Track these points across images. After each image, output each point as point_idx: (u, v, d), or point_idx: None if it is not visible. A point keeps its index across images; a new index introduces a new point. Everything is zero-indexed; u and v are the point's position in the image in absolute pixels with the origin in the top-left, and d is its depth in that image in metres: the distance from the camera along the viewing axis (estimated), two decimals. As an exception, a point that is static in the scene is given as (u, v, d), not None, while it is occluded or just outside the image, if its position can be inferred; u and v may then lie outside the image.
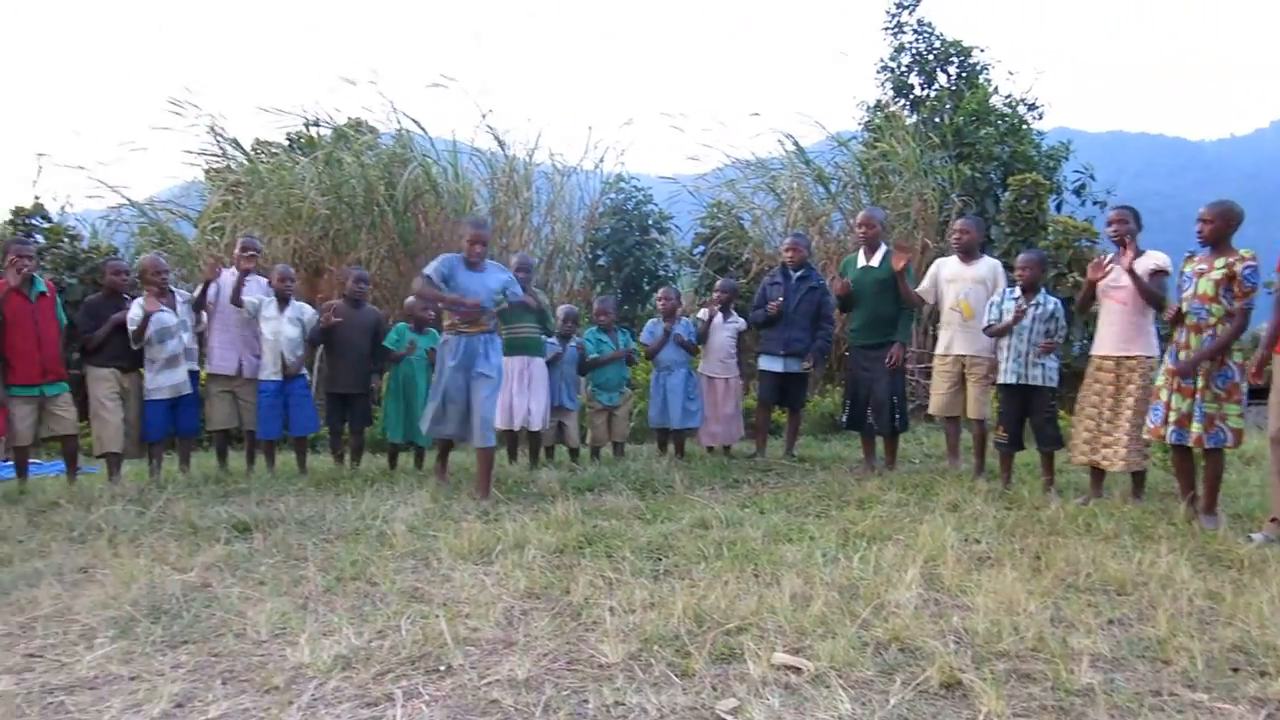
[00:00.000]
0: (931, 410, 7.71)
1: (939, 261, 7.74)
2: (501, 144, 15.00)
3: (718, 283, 9.03)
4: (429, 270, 6.57)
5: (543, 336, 7.91)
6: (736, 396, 8.61)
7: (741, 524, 5.49)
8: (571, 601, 4.04)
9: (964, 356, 7.33)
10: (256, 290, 7.94)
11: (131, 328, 7.33)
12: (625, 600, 4.00)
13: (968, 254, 7.46)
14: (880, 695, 3.08)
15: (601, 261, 14.52)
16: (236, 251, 8.19)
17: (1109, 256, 6.40)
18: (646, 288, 14.25)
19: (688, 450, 8.53)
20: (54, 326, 7.27)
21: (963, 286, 7.37)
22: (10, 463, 7.77)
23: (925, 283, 7.63)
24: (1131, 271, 6.12)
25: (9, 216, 13.11)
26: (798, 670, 3.27)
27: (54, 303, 7.35)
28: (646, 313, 13.91)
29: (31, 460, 7.83)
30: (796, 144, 15.26)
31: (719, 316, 8.54)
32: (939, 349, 7.58)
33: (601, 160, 15.62)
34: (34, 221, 13.08)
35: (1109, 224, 6.47)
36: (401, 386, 7.88)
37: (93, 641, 3.64)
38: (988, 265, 7.43)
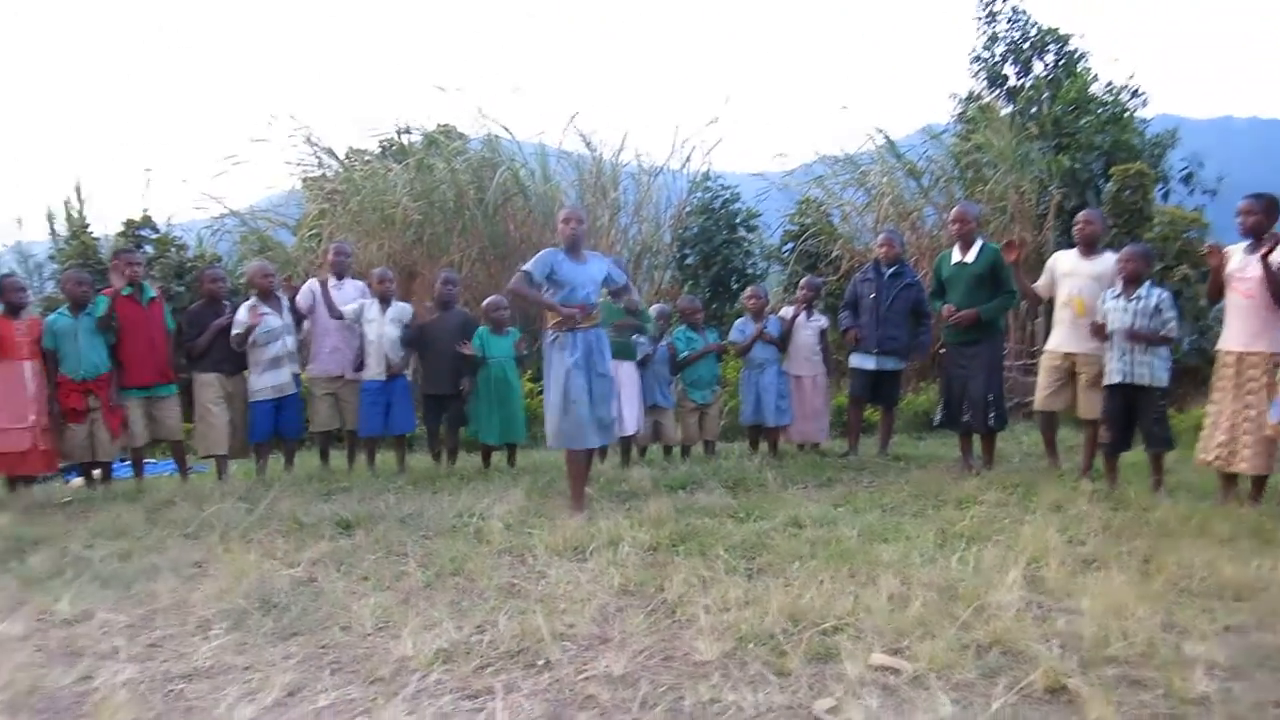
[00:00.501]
0: (1036, 405, 7.54)
1: (1057, 255, 7.51)
2: (589, 145, 15.13)
3: (802, 280, 8.99)
4: (528, 266, 6.10)
5: (634, 338, 7.95)
6: (824, 394, 8.56)
7: (836, 523, 5.46)
8: (666, 599, 4.08)
9: (1074, 355, 7.11)
10: (354, 293, 8.14)
11: (237, 331, 7.59)
12: (720, 598, 4.02)
13: (1089, 247, 7.20)
14: (982, 699, 3.06)
15: (689, 260, 14.55)
16: (329, 257, 8.45)
17: (1225, 247, 6.18)
18: (735, 286, 14.22)
19: (780, 448, 8.51)
20: (164, 331, 7.60)
21: (1078, 282, 7.11)
22: (127, 462, 8.12)
23: (1043, 277, 7.44)
24: (1266, 262, 5.86)
25: (120, 229, 13.66)
26: (896, 671, 3.26)
27: (163, 308, 7.67)
28: (735, 311, 13.89)
29: (146, 459, 8.16)
30: (887, 138, 15.10)
31: (802, 315, 8.50)
32: (1049, 345, 7.38)
33: (688, 159, 15.65)
34: (143, 233, 13.59)
35: (1238, 214, 6.18)
36: (494, 388, 7.99)
37: (208, 632, 3.80)
38: (1107, 261, 7.09)
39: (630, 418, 7.86)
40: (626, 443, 8.15)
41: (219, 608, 4.08)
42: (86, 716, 3.01)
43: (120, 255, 7.74)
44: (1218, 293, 6.29)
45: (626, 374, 7.86)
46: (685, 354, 8.34)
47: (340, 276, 8.24)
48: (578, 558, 4.87)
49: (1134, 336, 6.34)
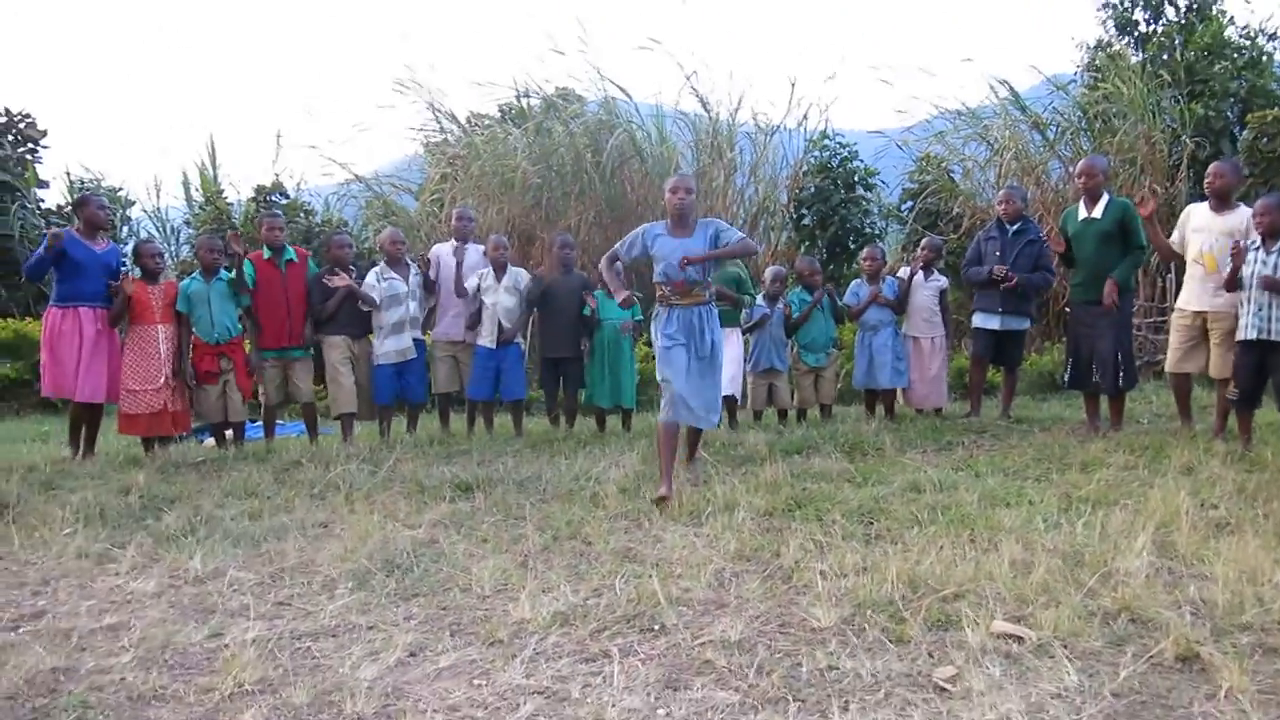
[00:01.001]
0: (1167, 367, 7.23)
1: (1189, 209, 7.16)
2: (705, 105, 14.99)
3: (923, 241, 8.73)
4: (618, 245, 5.89)
5: (741, 300, 7.85)
6: (943, 357, 8.32)
7: (956, 488, 5.31)
8: (782, 564, 4.03)
9: (1205, 312, 6.79)
10: (477, 258, 8.22)
11: (371, 294, 7.75)
12: (837, 564, 3.95)
13: (1221, 201, 6.86)
14: (1109, 667, 2.94)
15: (806, 221, 14.34)
16: (453, 223, 8.55)
17: None
18: (852, 246, 13.97)
19: (897, 412, 8.33)
20: (301, 294, 7.80)
21: (1209, 238, 6.78)
22: (259, 424, 8.39)
23: (1176, 232, 7.10)
24: None
25: (252, 194, 14.10)
26: (1019, 639, 3.15)
27: (304, 270, 7.88)
28: (853, 272, 13.65)
29: (278, 421, 8.43)
30: (1011, 89, 14.56)
31: (920, 275, 8.27)
32: (1179, 303, 7.05)
33: (805, 117, 15.33)
34: (274, 198, 14.00)
35: None
36: (607, 351, 8.00)
37: (334, 592, 3.90)
38: (1241, 216, 6.75)
39: (725, 382, 7.75)
40: (728, 405, 8.05)
41: (344, 568, 4.18)
42: (217, 672, 3.11)
43: (263, 219, 8.02)
44: None
45: (727, 339, 7.77)
46: (797, 314, 8.22)
47: (464, 241, 8.33)
48: (693, 523, 4.85)
49: (1273, 286, 6.00)
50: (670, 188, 5.72)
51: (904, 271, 8.52)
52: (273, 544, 4.64)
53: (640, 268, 9.07)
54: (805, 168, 14.70)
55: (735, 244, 5.65)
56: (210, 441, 8.21)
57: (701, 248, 5.58)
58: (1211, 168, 6.97)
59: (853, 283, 8.68)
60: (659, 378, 5.68)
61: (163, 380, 7.28)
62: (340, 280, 7.74)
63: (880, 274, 8.38)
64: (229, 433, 7.80)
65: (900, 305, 8.24)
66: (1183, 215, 7.15)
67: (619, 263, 5.92)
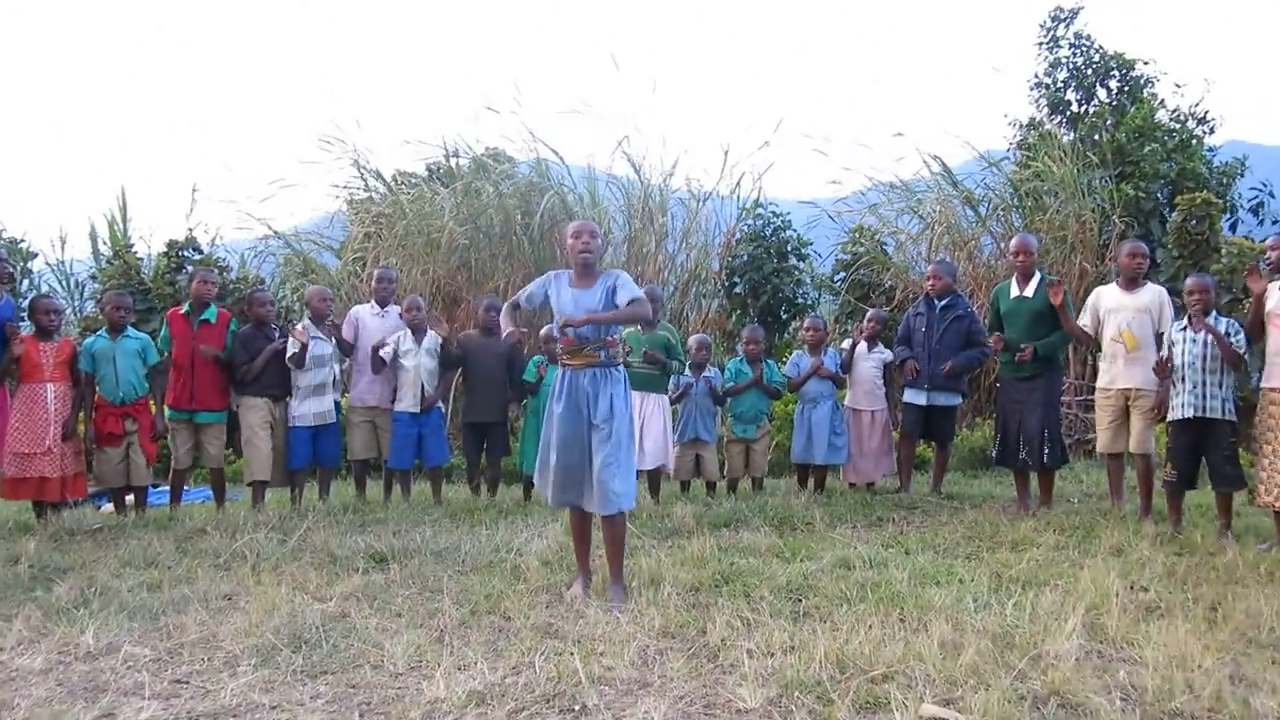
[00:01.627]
0: (1099, 448, 7.42)
1: (1097, 291, 7.45)
2: (637, 170, 15.15)
3: (868, 313, 8.87)
4: (521, 292, 5.26)
5: (670, 365, 7.86)
6: (885, 430, 8.43)
7: (886, 565, 5.37)
8: (708, 642, 4.02)
9: (1128, 390, 7.03)
10: (397, 321, 8.18)
11: (293, 350, 7.66)
12: (764, 642, 3.95)
13: (1131, 281, 7.17)
14: (1038, 754, 2.96)
15: (738, 289, 14.48)
16: (374, 284, 8.52)
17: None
18: (784, 316, 14.13)
19: (829, 486, 8.40)
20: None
21: (1125, 316, 7.07)
22: (162, 488, 8.20)
23: (1085, 315, 7.36)
24: None
25: (164, 249, 13.89)
26: (947, 723, 3.17)
27: (222, 332, 7.78)
28: (785, 342, 13.80)
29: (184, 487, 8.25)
30: (943, 165, 14.99)
31: (863, 345, 8.40)
32: (1101, 382, 7.29)
33: (738, 184, 15.53)
34: (186, 254, 13.80)
35: (1269, 250, 6.27)
36: (540, 418, 7.98)
37: (236, 669, 3.79)
38: (1152, 293, 7.11)
39: (651, 451, 7.76)
40: (654, 476, 8.06)
41: (248, 643, 4.08)
42: (109, 754, 3.00)
43: (196, 273, 8.05)
44: (1259, 327, 6.20)
45: (653, 406, 7.80)
46: (730, 385, 8.26)
47: (384, 304, 8.30)
48: (617, 597, 4.82)
49: (1223, 347, 6.20)
50: (572, 233, 5.06)
51: (846, 343, 8.65)
52: (172, 617, 4.51)
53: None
54: (738, 235, 14.90)
55: (623, 310, 4.86)
56: (109, 507, 8.00)
57: (596, 303, 4.89)
58: (1132, 248, 7.25)
59: (793, 354, 8.77)
60: (540, 449, 5.04)
61: (47, 442, 7.06)
62: (299, 332, 7.70)
63: (822, 345, 8.48)
64: (130, 498, 7.61)
65: (841, 378, 8.35)
66: (1091, 298, 7.42)
67: (519, 310, 5.27)
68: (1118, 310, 7.12)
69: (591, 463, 4.81)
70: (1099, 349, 7.46)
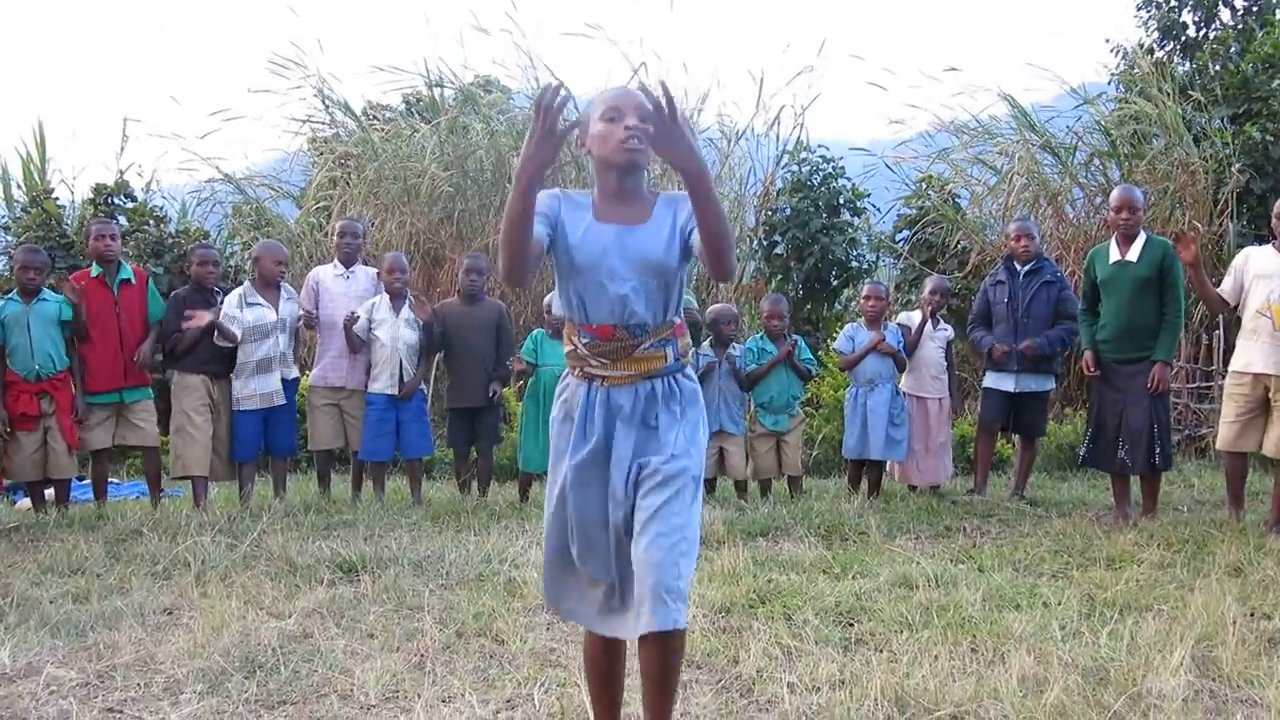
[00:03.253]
0: (1220, 444, 7.38)
1: (1247, 251, 7.34)
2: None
3: (929, 281, 8.84)
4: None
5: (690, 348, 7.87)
6: (949, 423, 8.43)
7: (955, 584, 5.37)
8: (741, 674, 4.04)
9: (1268, 376, 6.95)
10: (366, 284, 8.20)
11: (232, 326, 7.67)
12: (808, 675, 3.97)
13: None
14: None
15: (779, 249, 14.44)
16: (337, 238, 8.52)
17: None
18: (834, 282, 14.09)
19: (886, 488, 8.41)
20: (139, 320, 7.72)
21: (1276, 284, 6.97)
22: (86, 481, 8.24)
23: (1228, 278, 7.27)
24: None
25: (90, 194, 13.93)
26: (1028, 774, 3.18)
27: (143, 292, 7.81)
28: (834, 314, 13.78)
29: (110, 479, 8.29)
30: (1014, 103, 14.84)
31: (929, 322, 8.39)
32: (1235, 364, 7.22)
33: (777, 120, 15.41)
34: (117, 201, 13.84)
35: None
36: (544, 404, 8.01)
37: (178, 697, 3.84)
38: None
39: None
40: None
41: (192, 666, 4.12)
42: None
43: (91, 227, 7.93)
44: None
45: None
46: (753, 366, 8.24)
47: (349, 263, 8.30)
48: (631, 618, 4.84)
49: None
50: (607, 109, 3.23)
51: (904, 317, 8.63)
52: (103, 634, 4.55)
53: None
54: (779, 183, 14.83)
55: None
56: (26, 503, 8.07)
57: (661, 250, 3.18)
58: None
59: (846, 327, 8.76)
60: (547, 531, 3.30)
61: None
62: (198, 319, 7.64)
63: (883, 317, 8.47)
64: (50, 492, 7.67)
65: (904, 357, 8.31)
66: (1238, 259, 7.32)
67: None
68: (1270, 276, 7.00)
69: (633, 535, 3.12)
70: (1216, 326, 7.40)
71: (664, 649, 3.03)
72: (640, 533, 3.06)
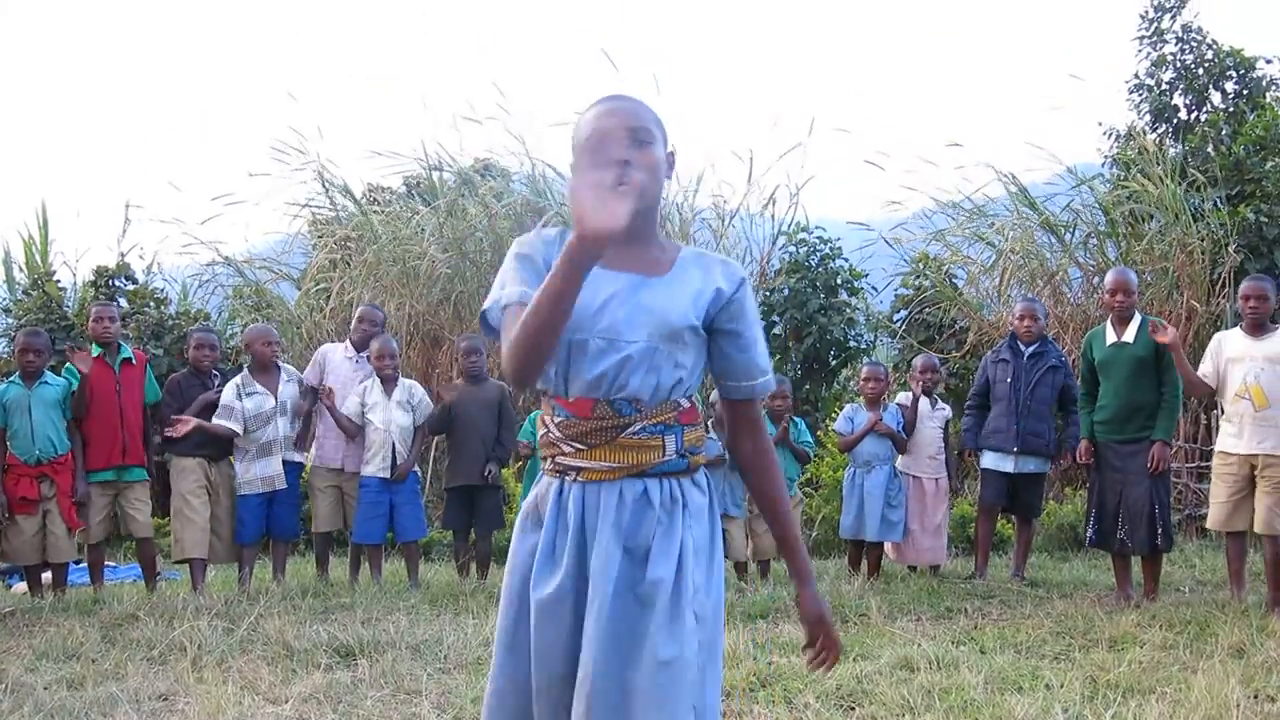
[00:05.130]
0: (1210, 524, 7.40)
1: (1218, 337, 7.46)
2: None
3: (917, 361, 8.91)
4: (504, 292, 2.55)
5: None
6: (947, 503, 8.44)
7: (957, 666, 5.35)
8: (742, 759, 4.02)
9: (1254, 456, 7.01)
10: (369, 367, 8.23)
11: (228, 422, 7.69)
12: (809, 760, 3.94)
13: (1256, 325, 7.18)
14: None
15: (777, 330, 14.48)
16: (355, 322, 8.55)
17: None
18: (833, 362, 14.13)
19: (886, 569, 8.39)
20: (139, 400, 7.75)
21: (1251, 367, 7.06)
22: (83, 565, 8.22)
23: (1205, 363, 7.37)
24: None
25: (91, 277, 14.02)
26: None
27: (142, 374, 7.85)
28: (833, 394, 13.80)
29: (107, 563, 8.26)
30: (1015, 180, 14.98)
31: (925, 401, 8.43)
32: (1221, 445, 7.28)
33: (772, 199, 15.51)
34: (118, 283, 13.93)
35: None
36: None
37: (173, 786, 3.80)
38: None
39: None
40: None
41: (188, 753, 4.09)
42: None
43: (92, 308, 8.00)
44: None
45: None
46: None
47: (361, 348, 8.32)
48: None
49: None
50: (594, 135, 2.53)
51: (903, 397, 8.67)
52: (97, 721, 4.53)
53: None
54: (775, 263, 14.89)
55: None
56: (21, 587, 8.03)
57: (685, 310, 2.52)
58: (1248, 289, 7.27)
59: (846, 408, 8.79)
60: (493, 684, 2.60)
61: None
62: (183, 426, 7.67)
63: (883, 397, 8.51)
64: (46, 576, 7.64)
65: (902, 438, 8.34)
66: (1212, 344, 7.44)
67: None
68: (1242, 359, 7.11)
69: (628, 682, 2.38)
70: (1214, 406, 7.47)
71: None
72: (635, 666, 2.37)
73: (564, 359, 2.46)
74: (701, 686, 2.41)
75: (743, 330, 2.56)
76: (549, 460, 2.53)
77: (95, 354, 7.68)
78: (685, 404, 2.53)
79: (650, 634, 2.37)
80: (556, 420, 2.50)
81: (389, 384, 8.08)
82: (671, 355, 2.47)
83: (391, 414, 7.98)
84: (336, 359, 8.31)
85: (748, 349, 2.58)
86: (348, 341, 8.51)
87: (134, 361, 7.86)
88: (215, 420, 7.70)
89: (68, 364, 7.62)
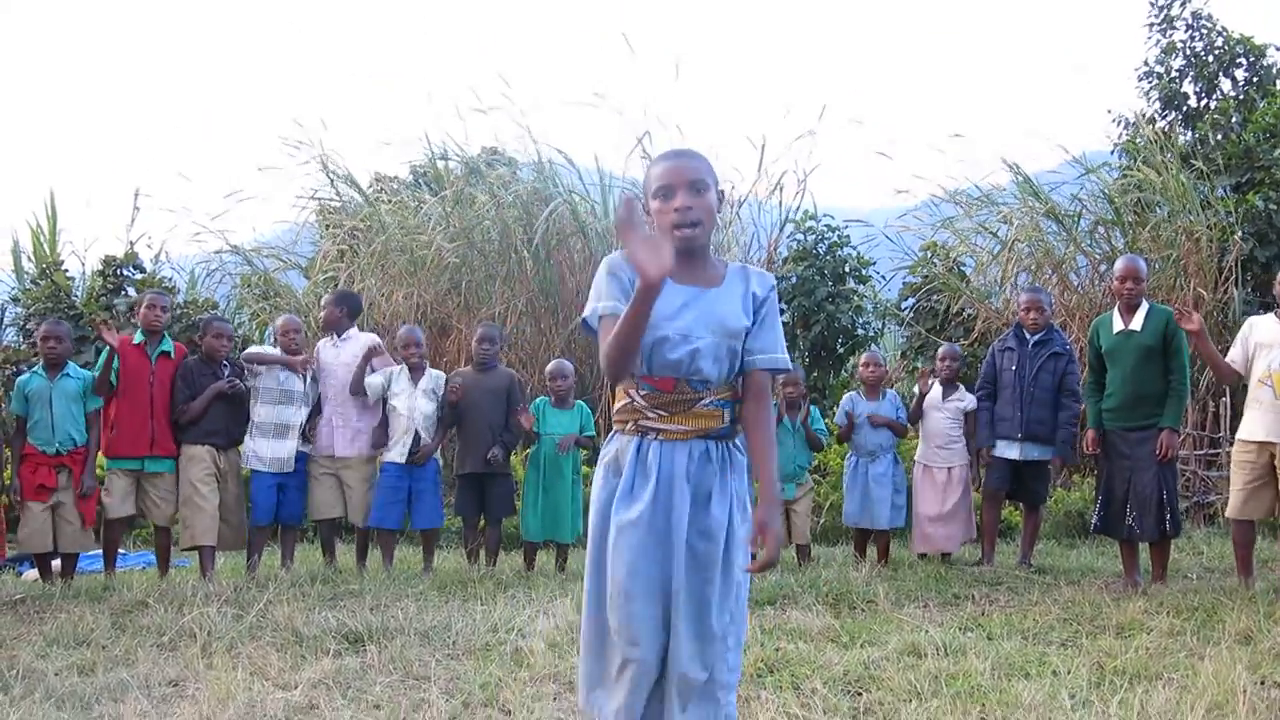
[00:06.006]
0: (1229, 511, 7.38)
1: (1251, 321, 7.41)
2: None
3: (941, 349, 8.90)
4: (599, 303, 3.25)
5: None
6: (965, 490, 8.42)
7: (964, 652, 5.35)
8: (750, 744, 4.02)
9: (1273, 444, 6.98)
10: (351, 349, 8.27)
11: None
12: (817, 745, 3.95)
13: None
14: None
15: (785, 318, 14.48)
16: (324, 307, 8.64)
17: None
18: (841, 350, 14.13)
19: (894, 556, 8.39)
20: (170, 394, 7.79)
21: (1277, 354, 7.02)
22: (96, 553, 8.24)
23: (1235, 348, 7.33)
24: None
25: (99, 266, 14.04)
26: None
27: (177, 368, 7.88)
28: (841, 381, 13.80)
29: (119, 550, 8.29)
30: (1019, 170, 14.95)
31: (937, 391, 8.42)
32: (1241, 433, 7.25)
33: (779, 186, 15.48)
34: (126, 272, 13.94)
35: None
36: (544, 472, 8.05)
37: (184, 770, 3.82)
38: None
39: None
40: None
41: (198, 738, 4.11)
42: None
43: (146, 294, 8.17)
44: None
45: None
46: None
47: (340, 331, 8.43)
48: (639, 688, 4.81)
49: None
50: (661, 182, 3.25)
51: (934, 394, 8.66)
52: (108, 706, 4.54)
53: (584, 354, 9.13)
54: (783, 251, 14.88)
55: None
56: (32, 574, 8.06)
57: (740, 311, 3.29)
58: None
59: (844, 398, 8.79)
60: (585, 604, 3.32)
61: None
62: (223, 383, 7.78)
63: (882, 385, 8.51)
64: (56, 563, 7.66)
65: (903, 428, 8.35)
66: (1244, 328, 7.38)
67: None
68: (1272, 345, 7.06)
69: (683, 616, 3.16)
70: (1222, 393, 7.44)
71: None
72: (689, 607, 3.17)
73: (649, 347, 3.20)
74: (736, 596, 3.25)
75: (767, 318, 3.35)
76: (631, 423, 3.29)
77: (136, 341, 7.74)
78: (738, 386, 3.32)
79: (717, 560, 3.20)
80: (642, 393, 3.26)
81: (416, 372, 8.15)
82: (731, 347, 3.27)
83: (416, 401, 8.04)
84: (323, 352, 8.37)
85: (769, 332, 3.35)
86: (323, 327, 8.64)
87: (172, 355, 7.90)
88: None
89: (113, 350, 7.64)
